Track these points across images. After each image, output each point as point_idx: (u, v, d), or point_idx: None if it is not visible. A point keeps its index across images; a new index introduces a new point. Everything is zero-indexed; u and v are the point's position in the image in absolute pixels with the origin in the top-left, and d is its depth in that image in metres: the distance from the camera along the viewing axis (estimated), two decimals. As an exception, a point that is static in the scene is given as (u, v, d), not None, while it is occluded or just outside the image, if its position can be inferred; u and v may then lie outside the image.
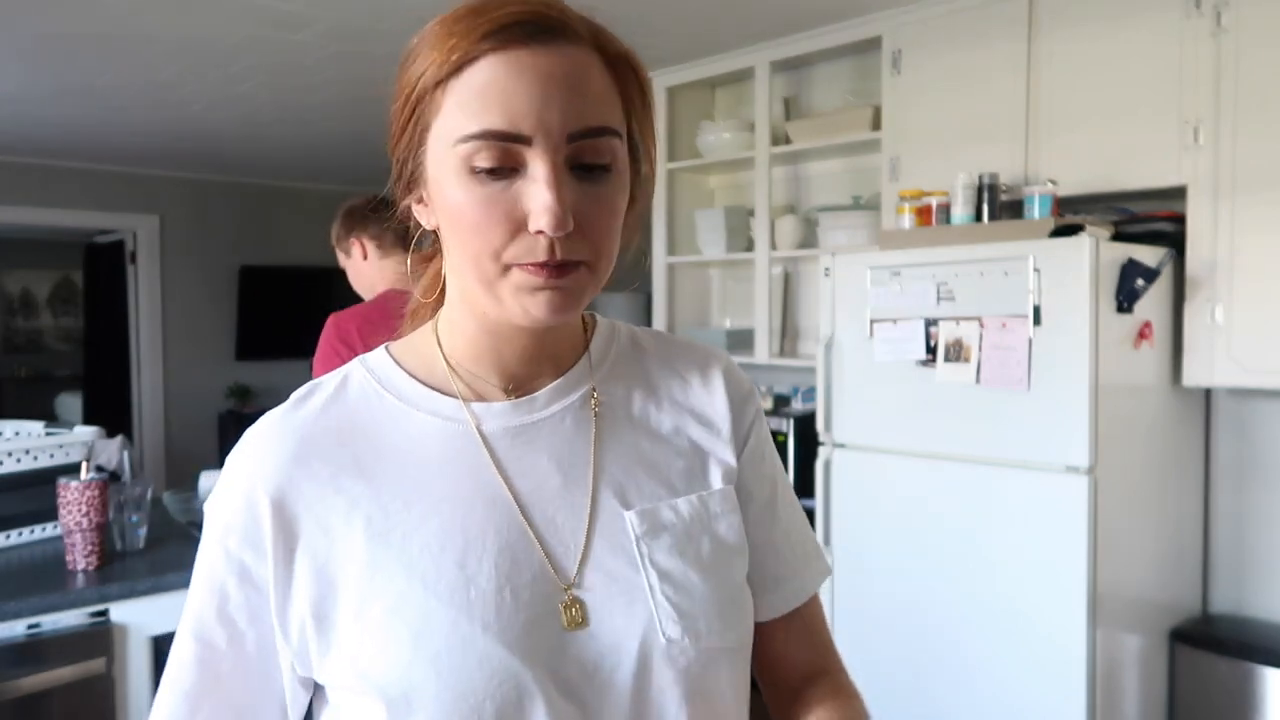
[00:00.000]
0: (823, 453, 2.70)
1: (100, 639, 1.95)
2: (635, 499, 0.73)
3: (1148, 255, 2.31)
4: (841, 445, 2.66)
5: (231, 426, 6.17)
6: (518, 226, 0.63)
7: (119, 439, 2.81)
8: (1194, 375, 2.42)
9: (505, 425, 0.72)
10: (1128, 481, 2.30)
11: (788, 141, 3.34)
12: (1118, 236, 2.39)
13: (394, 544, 0.67)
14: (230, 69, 3.58)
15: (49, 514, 2.19)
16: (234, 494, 0.70)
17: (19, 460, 2.17)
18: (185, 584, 2.28)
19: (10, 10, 2.91)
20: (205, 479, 2.64)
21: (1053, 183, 2.47)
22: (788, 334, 3.52)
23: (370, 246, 2.28)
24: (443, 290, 0.76)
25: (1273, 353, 2.30)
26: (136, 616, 2.00)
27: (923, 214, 2.62)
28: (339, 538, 0.68)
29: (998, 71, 2.74)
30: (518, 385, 0.74)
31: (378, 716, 0.65)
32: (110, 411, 6.02)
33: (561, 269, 0.63)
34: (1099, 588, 2.18)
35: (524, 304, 0.65)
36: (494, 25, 0.62)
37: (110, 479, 2.22)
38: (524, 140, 0.62)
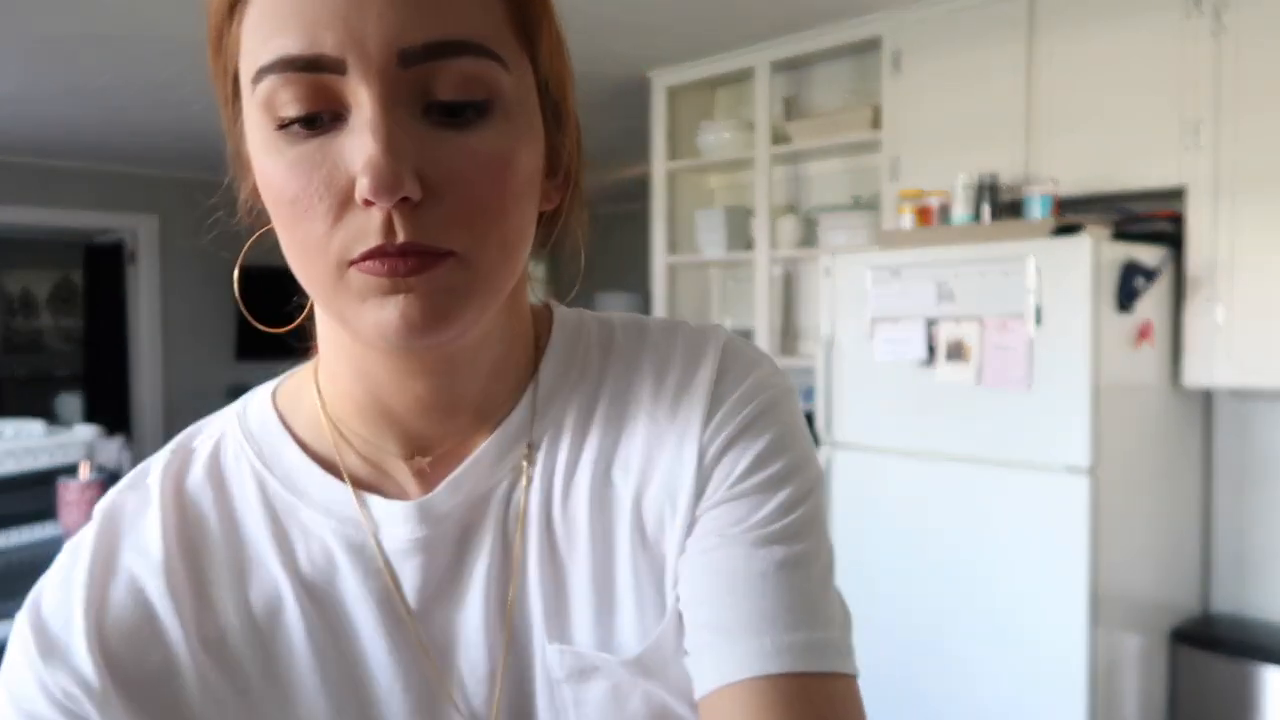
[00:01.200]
0: (823, 453, 2.70)
1: (100, 639, 1.95)
2: (562, 630, 0.52)
3: (1148, 255, 2.31)
4: (841, 445, 2.66)
5: (231, 426, 6.18)
6: (342, 198, 0.43)
7: (119, 439, 2.81)
8: (1194, 375, 2.42)
9: (410, 538, 0.51)
10: (1128, 481, 2.30)
11: (788, 141, 3.34)
12: (1118, 236, 2.39)
13: (270, 704, 0.50)
14: (230, 69, 3.58)
15: (49, 514, 2.19)
16: (59, 608, 0.50)
17: (19, 460, 2.17)
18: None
19: (11, 10, 2.91)
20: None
21: (1053, 183, 2.47)
22: (788, 334, 3.52)
23: None
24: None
25: (1273, 353, 2.30)
26: (136, 616, 2.00)
27: (923, 214, 2.62)
28: (188, 683, 0.49)
29: (998, 71, 2.74)
30: (424, 449, 0.53)
31: None
32: (110, 411, 6.02)
33: (407, 261, 0.43)
34: (1099, 588, 2.18)
35: (373, 319, 0.44)
36: None
37: (110, 479, 2.22)
38: (334, 67, 0.42)
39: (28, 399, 7.73)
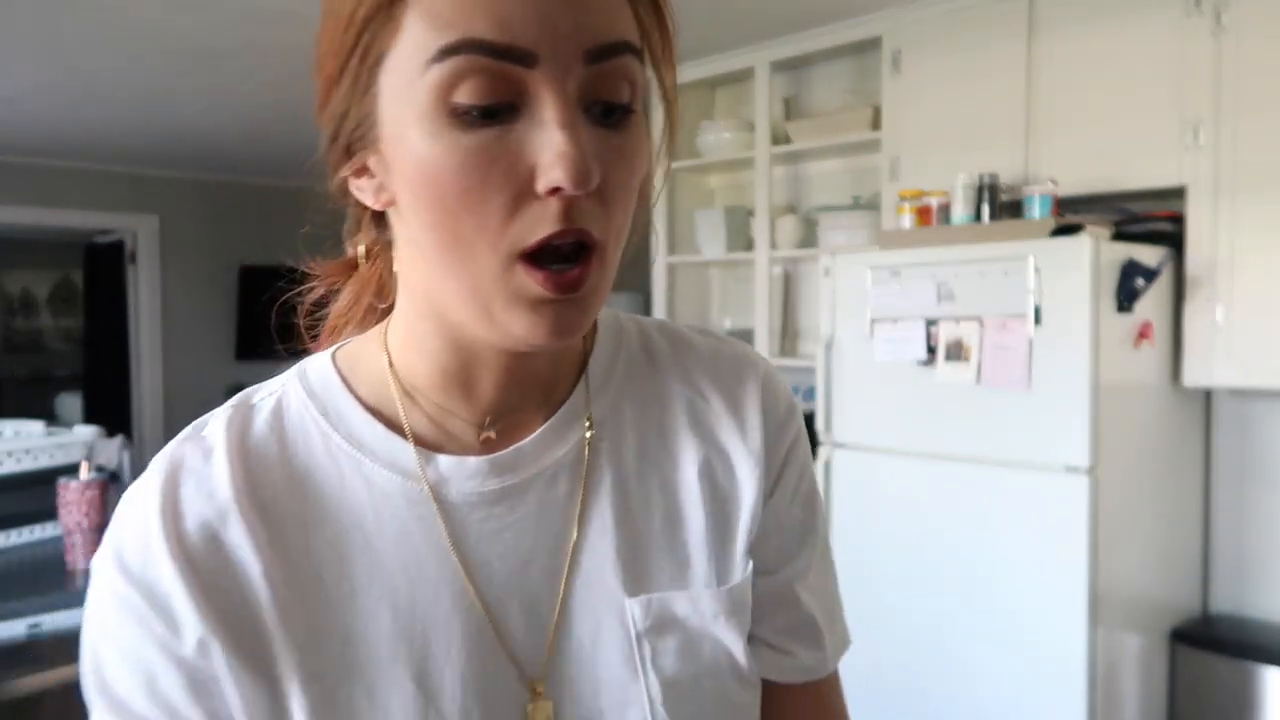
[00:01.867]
0: (823, 453, 2.70)
1: (100, 639, 1.95)
2: (640, 582, 0.56)
3: (1148, 255, 2.31)
4: (841, 445, 2.66)
5: (231, 426, 6.18)
6: (521, 190, 0.44)
7: (119, 439, 2.81)
8: (1194, 375, 2.42)
9: (478, 490, 0.54)
10: (1128, 481, 2.30)
11: (788, 141, 3.34)
12: (1118, 236, 2.39)
13: (334, 644, 0.51)
14: (230, 69, 3.58)
15: (49, 514, 2.19)
16: (137, 537, 0.51)
17: (19, 460, 2.17)
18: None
19: (11, 10, 2.91)
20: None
21: (1053, 183, 2.47)
22: (788, 334, 3.52)
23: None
24: (375, 292, 0.60)
25: (1273, 353, 2.30)
26: (136, 616, 2.00)
27: (923, 214, 2.62)
28: (269, 624, 0.50)
29: (998, 71, 2.74)
30: (495, 419, 0.55)
31: None
32: (110, 411, 6.02)
33: (569, 276, 0.46)
34: (1099, 588, 2.18)
35: (527, 322, 0.47)
36: None
37: (110, 479, 2.22)
38: (524, 60, 0.43)
39: (28, 399, 7.73)
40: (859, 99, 3.22)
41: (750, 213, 3.48)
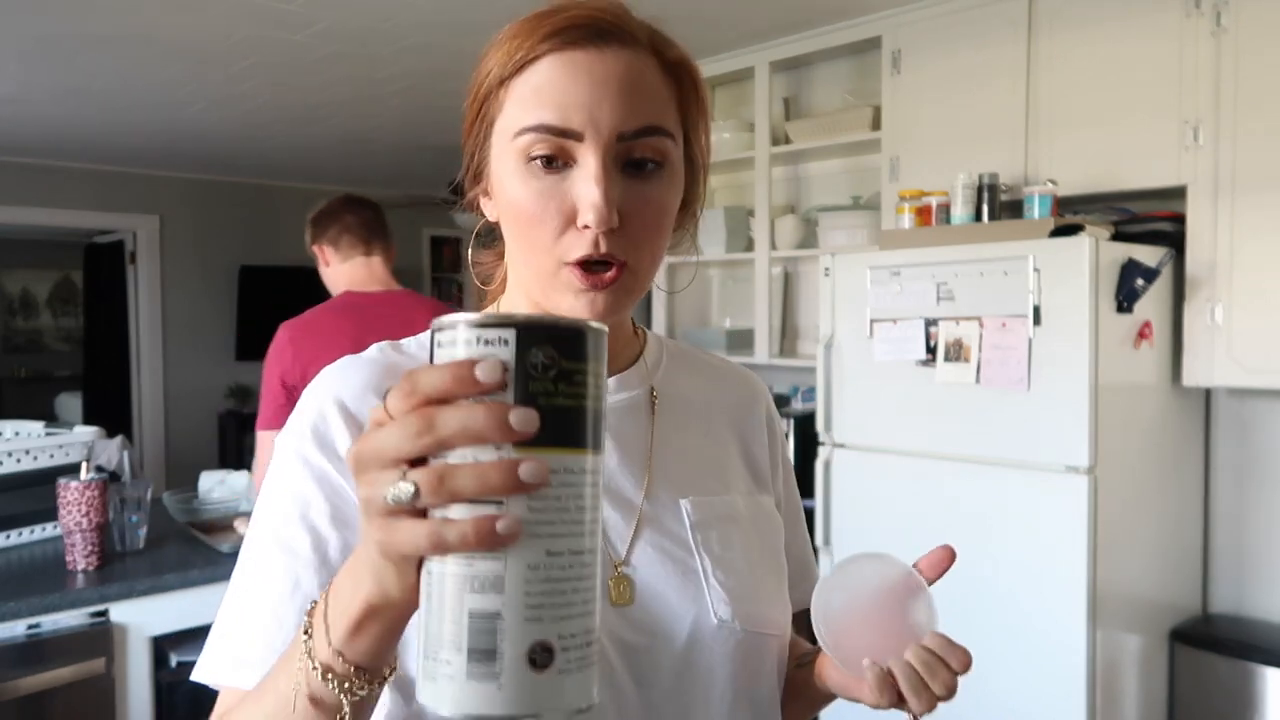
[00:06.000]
0: (823, 453, 2.70)
1: (100, 639, 1.95)
2: (691, 490, 0.77)
3: (1148, 255, 2.31)
4: (841, 445, 2.66)
5: (231, 426, 6.17)
6: (568, 221, 0.66)
7: (119, 439, 2.81)
8: (1194, 375, 2.42)
9: None
10: (1128, 481, 2.30)
11: (788, 141, 3.34)
12: (1118, 236, 2.39)
13: None
14: (230, 69, 3.58)
15: (49, 514, 2.19)
16: (308, 410, 0.70)
17: (19, 460, 2.17)
18: (185, 584, 2.26)
19: (10, 10, 2.91)
20: (205, 479, 2.64)
21: (1053, 183, 2.47)
22: (788, 334, 3.52)
23: (329, 251, 2.36)
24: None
25: (1273, 353, 2.30)
26: (136, 616, 2.00)
27: (923, 214, 2.62)
28: None
29: (997, 72, 2.74)
30: None
31: None
32: (110, 411, 6.02)
33: (602, 276, 0.66)
34: (1099, 588, 2.18)
35: (570, 303, 0.68)
36: (554, 28, 0.66)
37: (110, 479, 2.22)
38: (575, 135, 0.64)
39: (28, 399, 7.74)
40: (859, 99, 3.22)
41: (750, 213, 3.48)
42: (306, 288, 6.37)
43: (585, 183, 0.64)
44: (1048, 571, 2.22)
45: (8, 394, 8.11)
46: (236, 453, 6.07)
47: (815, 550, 2.74)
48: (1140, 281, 2.24)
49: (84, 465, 2.12)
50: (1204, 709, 2.43)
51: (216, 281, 6.22)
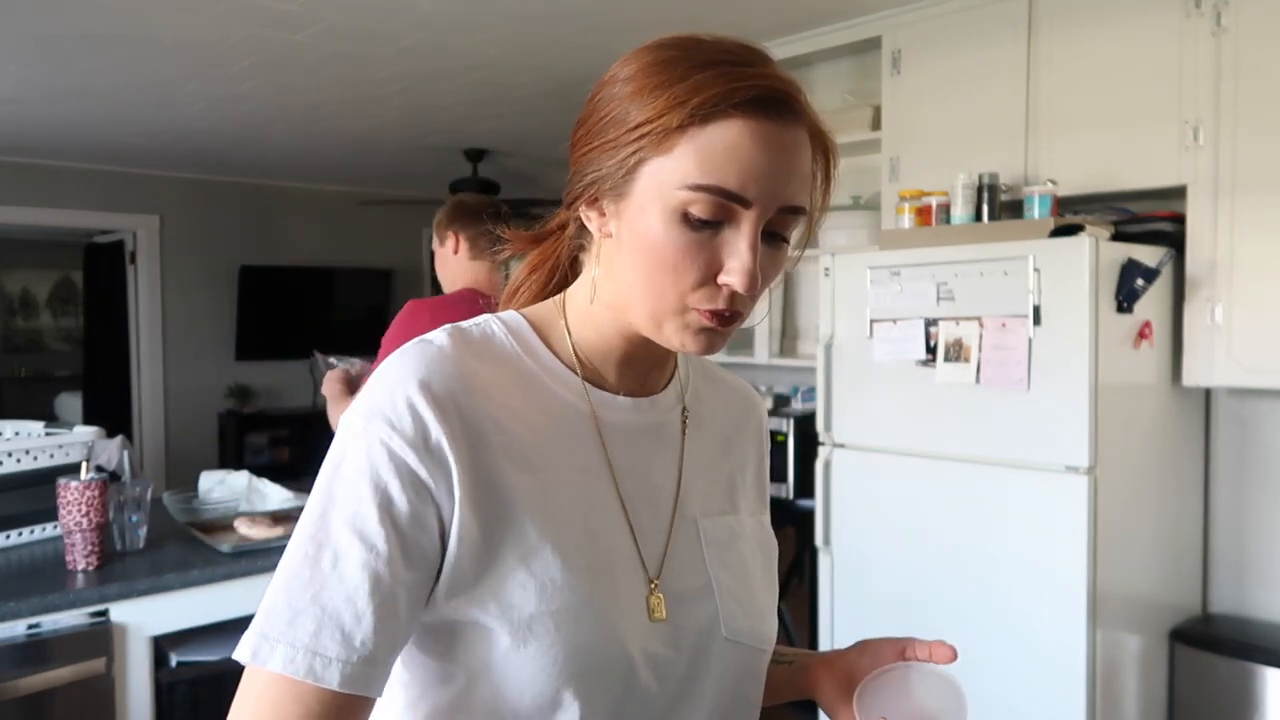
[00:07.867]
0: (823, 453, 2.70)
1: (100, 639, 1.95)
2: (707, 508, 0.80)
3: (1148, 255, 2.31)
4: (841, 445, 2.66)
5: (231, 426, 6.17)
6: (709, 275, 0.67)
7: (119, 439, 2.81)
8: (1194, 375, 2.42)
9: (623, 421, 0.76)
10: (1128, 481, 2.30)
11: (788, 141, 3.34)
12: (1118, 236, 2.39)
13: (537, 493, 0.70)
14: (230, 69, 3.58)
15: (49, 514, 2.19)
16: (398, 395, 0.67)
17: (19, 460, 2.17)
18: (185, 584, 2.25)
19: (10, 10, 2.91)
20: (205, 479, 2.64)
21: (1053, 183, 2.47)
22: (788, 334, 3.52)
23: (464, 244, 2.40)
24: (549, 271, 0.82)
25: (1273, 353, 2.30)
26: (136, 616, 2.00)
27: (923, 214, 2.62)
28: (501, 467, 0.69)
29: (997, 72, 2.74)
30: (630, 389, 0.78)
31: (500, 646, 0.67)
32: (110, 411, 6.02)
33: (724, 317, 0.69)
34: (1099, 588, 2.18)
35: (683, 338, 0.70)
36: (750, 93, 0.66)
37: (110, 479, 2.22)
38: (744, 203, 0.66)
39: (28, 399, 7.74)
40: (859, 99, 3.22)
41: (750, 213, 3.47)
42: (307, 288, 6.43)
43: (741, 249, 0.66)
44: (1047, 571, 2.22)
45: (8, 394, 8.12)
46: (236, 453, 6.07)
47: (815, 550, 2.75)
48: (1140, 281, 2.24)
49: (84, 465, 2.12)
50: (1204, 709, 2.43)
51: (216, 281, 6.21)
